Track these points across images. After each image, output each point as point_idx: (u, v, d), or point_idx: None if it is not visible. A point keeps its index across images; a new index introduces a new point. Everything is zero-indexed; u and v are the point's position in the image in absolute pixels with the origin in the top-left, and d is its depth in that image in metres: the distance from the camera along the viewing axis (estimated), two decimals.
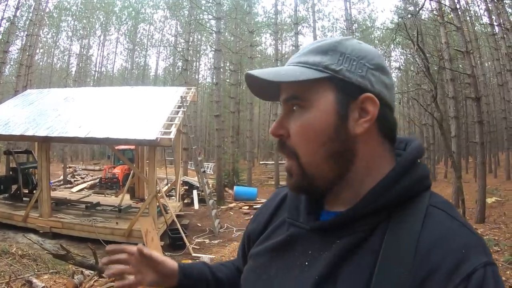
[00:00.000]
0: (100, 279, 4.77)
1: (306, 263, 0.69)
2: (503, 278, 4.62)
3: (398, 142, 0.75)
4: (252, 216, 0.99)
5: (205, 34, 30.90)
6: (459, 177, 8.73)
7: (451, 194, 11.46)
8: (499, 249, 5.91)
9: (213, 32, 17.62)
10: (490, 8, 14.31)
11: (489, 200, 10.79)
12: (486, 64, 25.39)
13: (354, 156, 0.69)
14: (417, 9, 13.74)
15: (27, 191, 10.64)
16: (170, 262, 0.94)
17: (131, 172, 12.10)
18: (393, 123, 0.72)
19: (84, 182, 18.21)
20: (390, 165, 0.70)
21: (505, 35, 12.70)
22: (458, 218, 0.64)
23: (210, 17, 17.42)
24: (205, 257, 6.29)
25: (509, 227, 7.89)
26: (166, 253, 7.78)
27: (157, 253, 0.92)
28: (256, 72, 0.69)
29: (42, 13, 20.07)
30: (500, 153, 24.42)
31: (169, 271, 0.92)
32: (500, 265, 5.10)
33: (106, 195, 13.40)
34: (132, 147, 13.11)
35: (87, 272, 5.05)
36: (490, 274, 0.56)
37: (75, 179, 19.72)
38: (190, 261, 6.32)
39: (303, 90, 0.69)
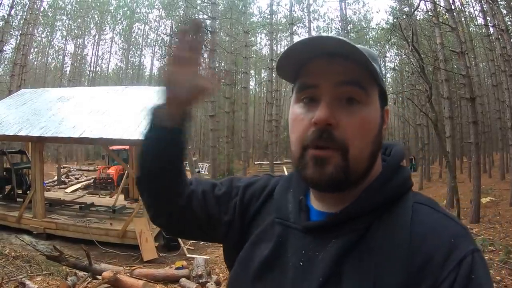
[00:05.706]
0: (94, 281, 4.73)
1: (301, 264, 0.69)
2: (498, 278, 4.64)
3: None
4: (249, 179, 0.91)
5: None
6: (454, 177, 8.76)
7: (446, 194, 11.52)
8: (494, 249, 5.89)
9: (208, 32, 17.62)
10: (485, 9, 14.38)
11: (483, 200, 10.82)
12: (481, 65, 25.50)
13: (376, 159, 0.73)
14: (412, 9, 13.80)
15: (20, 192, 10.59)
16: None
17: (126, 172, 12.02)
18: None
19: (78, 182, 18.10)
20: (379, 167, 0.74)
21: (499, 36, 12.73)
22: (441, 210, 0.69)
23: (205, 16, 17.42)
24: (200, 258, 6.25)
25: (504, 227, 7.92)
26: (161, 254, 7.77)
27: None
28: (339, 38, 0.64)
29: (37, 12, 19.96)
30: (494, 153, 24.52)
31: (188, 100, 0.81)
32: (495, 265, 5.11)
33: (101, 196, 13.33)
34: (127, 147, 13.04)
35: (80, 273, 5.02)
36: (478, 259, 0.61)
37: (69, 179, 19.60)
38: (184, 262, 6.34)
39: (366, 80, 0.69)
